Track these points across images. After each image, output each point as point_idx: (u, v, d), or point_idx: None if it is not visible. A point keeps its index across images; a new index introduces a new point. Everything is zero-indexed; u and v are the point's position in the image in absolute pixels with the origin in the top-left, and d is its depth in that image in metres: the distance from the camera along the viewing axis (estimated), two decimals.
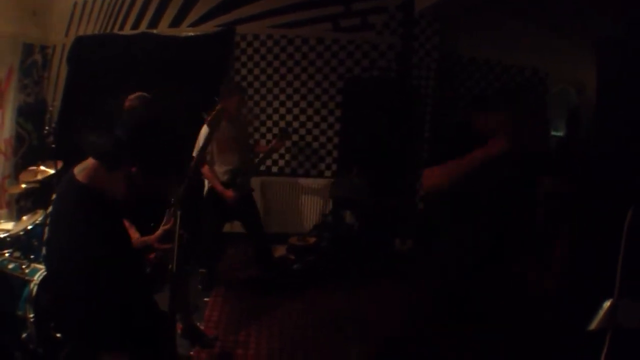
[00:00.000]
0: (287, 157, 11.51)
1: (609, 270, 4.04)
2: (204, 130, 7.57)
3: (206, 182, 8.45)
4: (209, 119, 6.53)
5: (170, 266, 4.14)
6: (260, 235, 9.03)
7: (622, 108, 7.70)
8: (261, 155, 9.05)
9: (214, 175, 8.29)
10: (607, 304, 4.15)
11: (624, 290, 4.03)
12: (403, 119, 10.09)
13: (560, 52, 9.87)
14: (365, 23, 10.98)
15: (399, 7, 10.82)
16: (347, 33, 11.04)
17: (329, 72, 11.25)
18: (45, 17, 10.72)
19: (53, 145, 7.50)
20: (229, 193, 8.22)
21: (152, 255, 4.40)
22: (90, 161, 3.21)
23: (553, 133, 9.91)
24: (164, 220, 4.33)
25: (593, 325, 4.22)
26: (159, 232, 4.25)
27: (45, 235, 3.54)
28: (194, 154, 7.42)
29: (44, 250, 3.48)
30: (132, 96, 6.62)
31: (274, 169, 11.58)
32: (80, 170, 3.19)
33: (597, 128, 8.35)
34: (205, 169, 8.20)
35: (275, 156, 11.16)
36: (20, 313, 6.03)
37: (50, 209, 3.66)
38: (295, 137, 11.32)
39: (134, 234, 4.68)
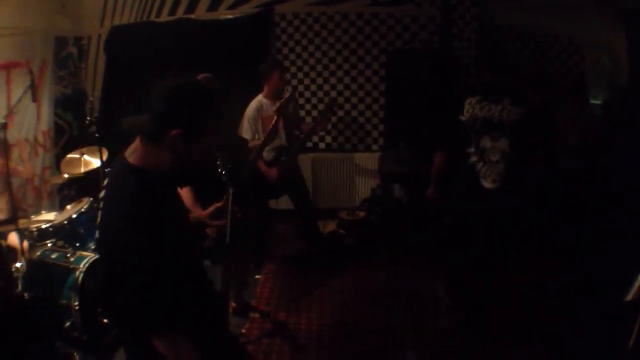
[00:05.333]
0: (334, 133, 10.71)
1: None
2: (250, 113, 7.73)
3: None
4: (278, 107, 7.09)
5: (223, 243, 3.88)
6: (307, 211, 8.59)
7: None
8: (306, 132, 8.46)
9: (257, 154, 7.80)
10: None
11: None
12: (446, 90, 8.98)
13: (596, 20, 8.81)
14: None
15: None
16: (386, 7, 10.10)
17: (371, 46, 10.33)
18: (75, 9, 10.11)
19: (97, 135, 7.10)
20: (272, 172, 7.79)
21: (209, 231, 4.54)
22: (137, 143, 3.05)
23: (592, 101, 9.53)
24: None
25: (629, 297, 4.24)
26: (211, 208, 4.10)
27: (99, 220, 2.97)
28: (243, 134, 7.66)
29: (97, 235, 2.71)
30: (200, 77, 6.27)
31: (322, 146, 10.76)
32: (131, 154, 3.05)
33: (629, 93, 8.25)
34: (251, 147, 7.74)
35: (322, 133, 10.43)
36: (64, 302, 5.81)
37: (102, 194, 3.12)
38: (341, 113, 10.56)
39: (197, 210, 4.65)
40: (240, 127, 7.78)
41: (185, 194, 4.99)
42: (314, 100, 10.54)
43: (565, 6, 8.71)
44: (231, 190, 3.80)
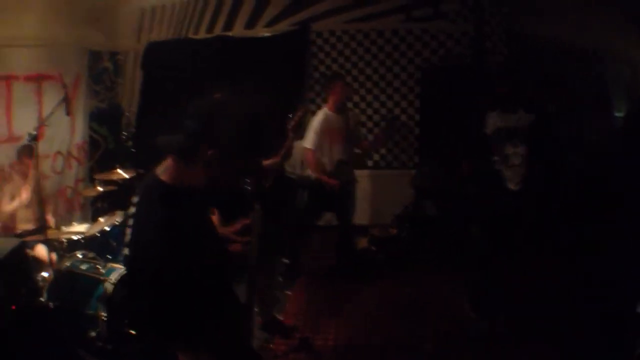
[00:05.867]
0: (381, 150, 10.48)
1: None
2: (314, 125, 7.77)
3: (310, 173, 8.05)
4: (292, 124, 6.81)
5: (248, 259, 3.80)
6: (347, 227, 8.46)
7: None
8: (365, 148, 8.73)
9: (318, 165, 7.87)
10: None
11: None
12: (478, 105, 8.90)
13: (619, 34, 8.91)
14: (437, 12, 9.90)
15: None
16: (421, 23, 9.99)
17: (407, 63, 10.18)
18: (110, 23, 10.21)
19: (133, 150, 7.32)
20: (332, 181, 7.73)
21: (234, 247, 4.03)
22: (169, 161, 2.99)
23: (616, 114, 9.54)
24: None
25: None
26: (238, 225, 4.02)
27: (127, 237, 3.01)
28: (306, 145, 7.78)
29: (125, 251, 3.02)
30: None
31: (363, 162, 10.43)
32: (163, 171, 2.97)
33: None
34: (310, 159, 7.89)
35: (382, 150, 10.37)
36: (90, 312, 5.73)
37: (130, 210, 3.06)
38: (376, 131, 10.19)
39: (223, 228, 4.34)
40: (303, 138, 7.79)
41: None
42: None
43: (591, 20, 8.64)
44: (257, 207, 3.75)
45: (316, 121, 7.71)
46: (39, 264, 6.58)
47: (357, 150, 8.26)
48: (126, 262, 3.17)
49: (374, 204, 10.40)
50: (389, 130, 8.90)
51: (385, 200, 10.29)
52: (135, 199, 3.03)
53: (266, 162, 7.07)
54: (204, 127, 2.85)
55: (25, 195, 7.06)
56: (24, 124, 7.83)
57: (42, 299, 5.90)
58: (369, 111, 10.30)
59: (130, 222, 2.98)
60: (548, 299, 6.82)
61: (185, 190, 2.89)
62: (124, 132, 8.53)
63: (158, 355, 3.34)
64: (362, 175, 9.89)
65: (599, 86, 9.48)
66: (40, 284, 6.20)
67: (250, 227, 3.82)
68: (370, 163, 10.53)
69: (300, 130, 7.48)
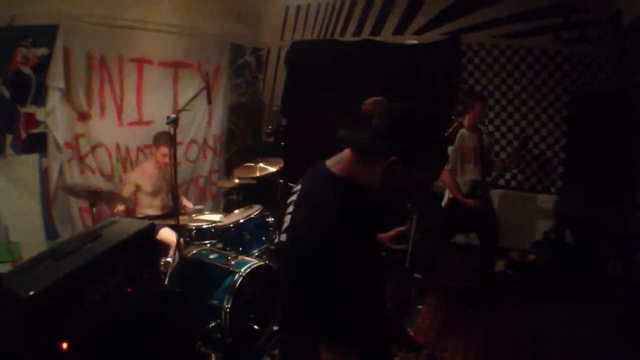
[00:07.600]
0: (514, 170, 9.81)
1: None
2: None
3: (446, 191, 7.84)
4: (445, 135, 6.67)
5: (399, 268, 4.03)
6: (492, 248, 8.04)
7: None
8: (499, 168, 8.17)
9: (456, 185, 7.60)
10: None
11: None
12: (622, 135, 8.57)
13: None
14: (583, 35, 9.21)
15: (610, 20, 9.01)
16: (568, 45, 9.31)
17: (554, 84, 9.45)
18: (252, 19, 10.50)
19: (282, 144, 7.54)
20: (471, 202, 7.47)
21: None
22: (345, 155, 2.86)
23: None
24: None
25: None
26: (393, 232, 3.85)
27: (285, 223, 2.84)
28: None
29: (282, 237, 2.81)
30: (368, 100, 5.78)
31: (501, 182, 9.78)
32: (335, 164, 2.86)
33: None
34: (448, 178, 7.55)
35: (515, 170, 9.78)
36: (214, 302, 5.70)
37: (293, 197, 2.91)
38: (523, 151, 9.23)
39: None
40: None
41: None
42: (497, 135, 9.78)
43: None
44: (415, 216, 3.73)
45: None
46: (163, 249, 6.61)
47: (493, 174, 7.98)
48: (281, 247, 2.87)
49: (516, 227, 9.68)
50: (521, 149, 8.30)
51: (528, 223, 9.75)
52: (298, 187, 2.96)
53: None
54: (393, 131, 2.64)
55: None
56: (154, 109, 8.11)
57: (162, 285, 5.86)
58: (516, 129, 9.68)
59: (290, 209, 2.86)
60: None
61: (355, 187, 2.76)
62: (270, 127, 8.78)
63: (295, 352, 3.13)
64: (504, 196, 9.74)
65: None
66: (162, 268, 6.16)
67: (405, 236, 3.73)
68: (514, 183, 9.93)
69: (452, 143, 7.37)
